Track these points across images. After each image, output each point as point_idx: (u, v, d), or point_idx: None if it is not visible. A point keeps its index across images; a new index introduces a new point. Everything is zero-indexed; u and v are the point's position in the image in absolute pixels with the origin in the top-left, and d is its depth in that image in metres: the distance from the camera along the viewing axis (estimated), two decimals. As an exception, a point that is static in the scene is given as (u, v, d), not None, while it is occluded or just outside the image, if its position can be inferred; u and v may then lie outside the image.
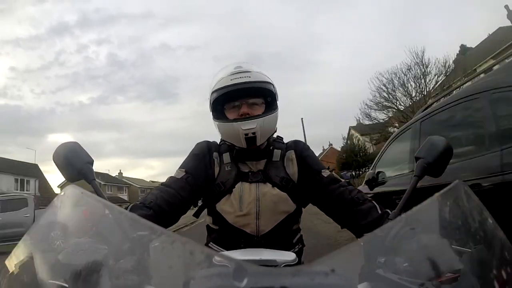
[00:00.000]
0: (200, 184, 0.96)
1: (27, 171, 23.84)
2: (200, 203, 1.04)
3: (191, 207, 0.99)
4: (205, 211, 1.04)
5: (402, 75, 16.12)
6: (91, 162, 0.74)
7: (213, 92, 0.97)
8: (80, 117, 64.21)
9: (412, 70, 15.96)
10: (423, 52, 15.77)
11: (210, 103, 1.00)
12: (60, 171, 0.74)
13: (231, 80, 0.94)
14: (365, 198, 0.89)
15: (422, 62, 15.76)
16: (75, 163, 0.72)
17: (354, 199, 0.89)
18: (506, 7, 15.32)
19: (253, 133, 0.93)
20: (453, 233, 0.45)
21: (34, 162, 26.25)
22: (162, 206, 0.86)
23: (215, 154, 1.02)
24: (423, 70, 15.82)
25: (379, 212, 0.84)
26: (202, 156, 1.01)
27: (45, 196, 18.43)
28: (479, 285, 0.41)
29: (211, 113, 1.02)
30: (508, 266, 0.42)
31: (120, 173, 40.61)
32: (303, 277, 0.33)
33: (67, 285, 0.42)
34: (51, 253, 0.43)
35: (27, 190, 21.68)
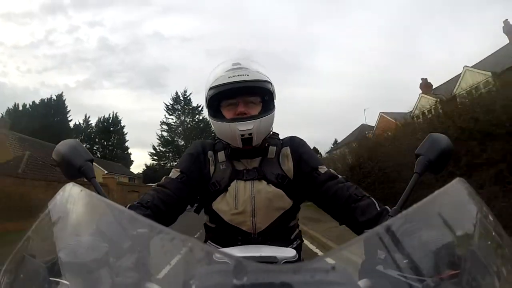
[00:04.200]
0: (195, 183, 0.97)
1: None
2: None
3: (188, 207, 0.99)
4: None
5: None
6: (91, 160, 0.75)
7: (210, 89, 0.97)
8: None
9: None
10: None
11: (206, 100, 1.00)
12: (60, 169, 0.75)
13: (228, 77, 0.94)
14: (363, 194, 0.89)
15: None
16: (75, 161, 0.73)
17: (352, 195, 0.88)
18: (506, 22, 15.00)
19: (250, 134, 0.93)
20: (454, 230, 0.45)
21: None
22: (159, 206, 0.87)
23: (210, 153, 1.02)
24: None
25: (378, 208, 0.83)
26: (197, 156, 1.01)
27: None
28: (479, 282, 0.41)
29: (206, 109, 1.02)
30: (508, 263, 0.42)
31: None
32: (303, 274, 0.33)
33: (68, 283, 0.42)
34: (52, 251, 0.43)
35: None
